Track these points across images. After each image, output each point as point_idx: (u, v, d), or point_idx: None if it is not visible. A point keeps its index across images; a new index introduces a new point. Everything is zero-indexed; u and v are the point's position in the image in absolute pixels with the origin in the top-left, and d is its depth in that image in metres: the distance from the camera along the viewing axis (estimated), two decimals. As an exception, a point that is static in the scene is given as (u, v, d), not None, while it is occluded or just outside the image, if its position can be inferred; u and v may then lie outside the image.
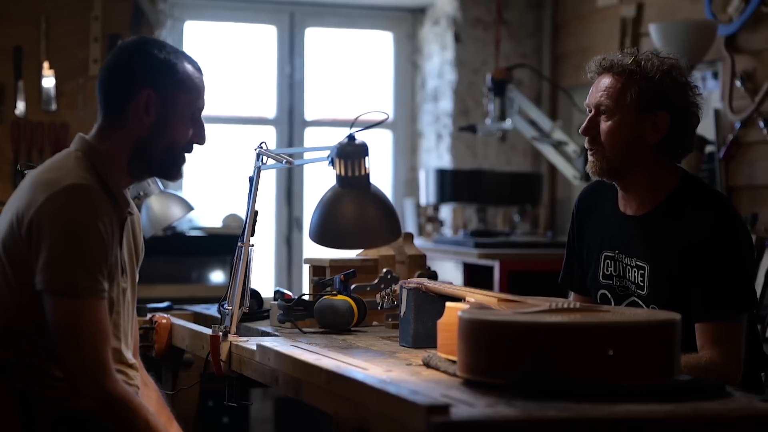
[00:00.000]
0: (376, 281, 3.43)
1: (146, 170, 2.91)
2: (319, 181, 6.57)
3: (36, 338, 2.71)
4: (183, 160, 2.89)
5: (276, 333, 3.26)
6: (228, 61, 6.82)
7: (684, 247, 2.94)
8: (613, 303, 3.10)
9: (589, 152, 3.05)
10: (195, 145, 2.90)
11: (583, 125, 3.03)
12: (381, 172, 7.00)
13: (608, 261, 3.12)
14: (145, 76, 2.80)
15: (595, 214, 3.20)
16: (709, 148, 5.07)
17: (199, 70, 2.89)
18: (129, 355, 2.91)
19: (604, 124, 3.00)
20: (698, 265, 2.92)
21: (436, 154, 6.85)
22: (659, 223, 3.01)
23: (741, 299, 2.93)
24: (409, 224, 6.51)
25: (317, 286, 3.43)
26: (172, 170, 2.90)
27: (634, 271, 3.04)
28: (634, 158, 3.00)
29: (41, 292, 2.65)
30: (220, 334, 3.07)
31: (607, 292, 3.12)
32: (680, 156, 3.07)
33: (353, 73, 7.07)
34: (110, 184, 2.78)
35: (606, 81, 3.03)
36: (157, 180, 3.97)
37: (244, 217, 3.16)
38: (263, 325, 3.42)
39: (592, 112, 3.04)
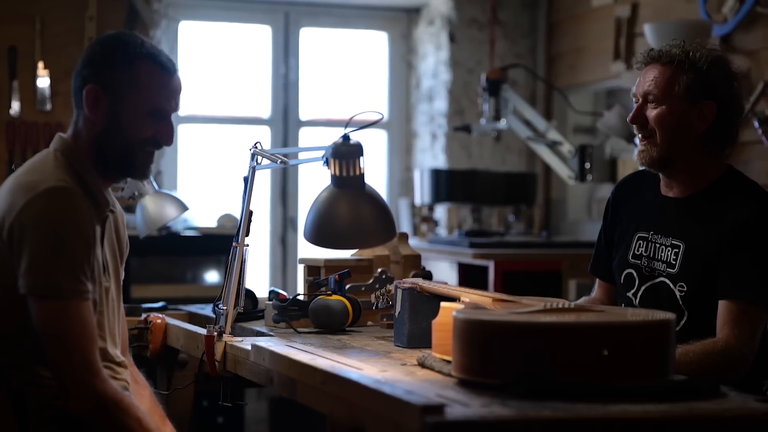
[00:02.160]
0: (370, 281, 3.42)
1: (109, 168, 2.84)
2: (313, 181, 6.57)
3: (19, 340, 2.71)
4: (143, 157, 2.83)
5: (271, 333, 3.26)
6: (223, 62, 6.81)
7: (723, 231, 2.99)
8: (637, 282, 3.14)
9: (639, 141, 3.11)
10: (164, 146, 2.86)
11: (631, 114, 3.10)
12: (376, 172, 7.00)
13: (640, 241, 3.16)
14: (90, 71, 2.78)
15: (633, 201, 3.25)
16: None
17: (168, 70, 2.81)
18: (116, 352, 2.90)
19: (652, 112, 3.07)
20: (734, 247, 2.96)
21: (431, 154, 6.85)
22: (701, 206, 3.07)
23: None
24: (404, 224, 6.51)
25: (312, 286, 3.43)
26: (131, 168, 2.85)
27: (668, 251, 3.08)
28: (682, 146, 3.07)
29: (25, 296, 2.65)
30: (215, 334, 3.07)
31: (633, 272, 3.15)
32: (725, 146, 3.14)
33: (348, 73, 7.07)
34: (90, 183, 2.77)
35: (654, 70, 3.08)
36: (152, 179, 3.97)
37: (238, 217, 3.16)
38: (258, 325, 3.42)
39: (639, 101, 3.10)
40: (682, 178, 3.11)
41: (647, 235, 3.15)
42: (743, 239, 2.96)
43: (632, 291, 3.14)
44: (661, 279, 3.08)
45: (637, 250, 3.16)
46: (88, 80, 2.78)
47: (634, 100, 3.12)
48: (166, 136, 2.84)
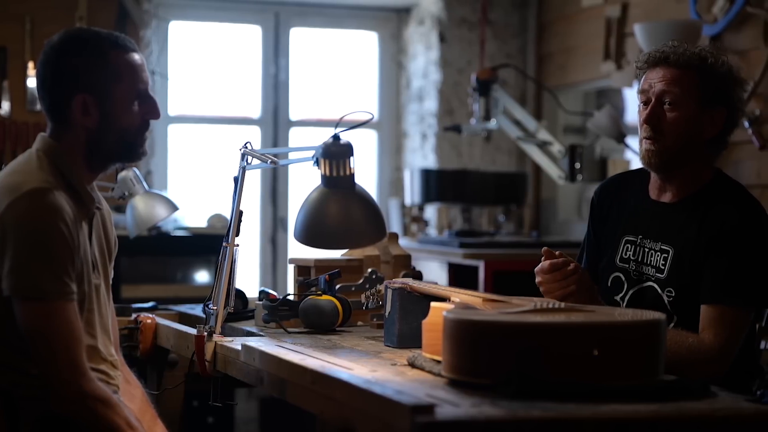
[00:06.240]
0: (361, 281, 3.42)
1: (107, 161, 2.87)
2: (304, 181, 6.57)
3: (8, 339, 2.70)
4: (141, 140, 2.87)
5: (261, 333, 3.26)
6: (213, 61, 6.81)
7: (711, 236, 2.98)
8: (626, 286, 3.12)
9: (646, 140, 3.05)
10: (152, 121, 2.88)
11: (648, 113, 3.03)
12: (366, 172, 7.00)
13: (628, 245, 3.14)
14: (74, 82, 2.77)
15: (619, 204, 3.22)
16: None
17: (130, 49, 2.83)
18: (110, 350, 2.90)
19: (669, 114, 3.03)
20: (716, 252, 2.96)
21: (421, 154, 6.85)
22: (690, 212, 3.05)
23: (753, 291, 2.96)
24: (394, 224, 6.51)
25: (302, 286, 3.43)
26: (131, 154, 2.88)
27: (657, 255, 3.07)
28: (689, 151, 3.05)
29: (9, 298, 2.65)
30: (205, 334, 3.07)
31: (621, 275, 3.14)
32: (721, 152, 3.15)
33: (338, 73, 7.07)
34: (74, 182, 2.78)
35: (671, 72, 3.03)
36: (142, 180, 3.97)
37: (229, 217, 3.15)
38: (248, 325, 3.42)
39: (653, 101, 3.04)
40: (678, 182, 3.09)
41: (636, 239, 3.13)
42: (724, 244, 2.96)
43: (620, 294, 3.12)
44: (650, 283, 3.07)
45: (625, 254, 3.14)
46: (75, 91, 2.77)
47: (641, 98, 3.07)
48: (154, 113, 2.86)
